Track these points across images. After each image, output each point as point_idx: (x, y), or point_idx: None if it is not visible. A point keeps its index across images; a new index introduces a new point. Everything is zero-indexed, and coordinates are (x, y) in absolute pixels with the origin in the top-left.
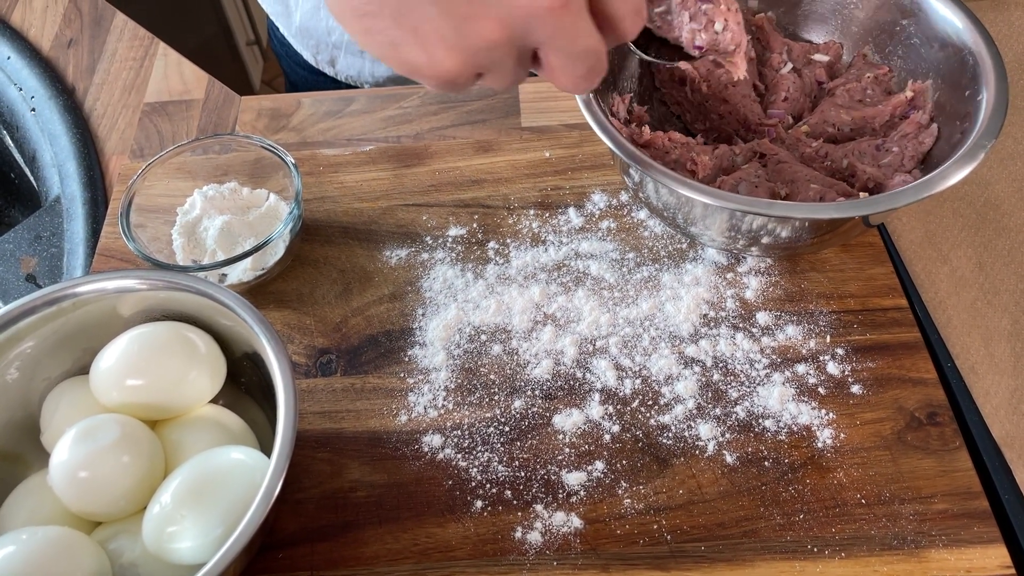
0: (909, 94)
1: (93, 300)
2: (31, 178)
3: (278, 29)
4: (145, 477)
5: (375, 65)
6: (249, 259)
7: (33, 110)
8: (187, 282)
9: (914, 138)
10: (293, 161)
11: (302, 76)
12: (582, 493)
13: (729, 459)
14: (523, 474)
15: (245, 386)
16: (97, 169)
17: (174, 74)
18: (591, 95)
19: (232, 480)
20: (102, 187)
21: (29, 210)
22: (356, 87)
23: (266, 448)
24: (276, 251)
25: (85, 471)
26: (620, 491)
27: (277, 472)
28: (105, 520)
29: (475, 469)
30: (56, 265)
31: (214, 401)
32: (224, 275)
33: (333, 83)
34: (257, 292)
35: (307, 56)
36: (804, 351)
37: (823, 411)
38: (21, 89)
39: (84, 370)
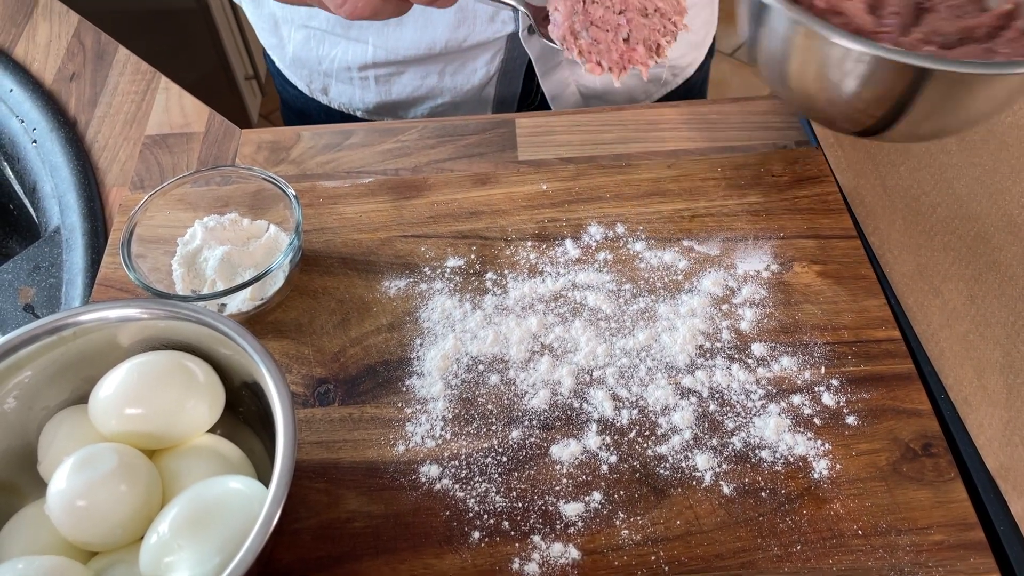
0: (1008, 6)
1: (94, 329)
2: (31, 209)
3: (274, 61)
4: (143, 506)
5: (365, 92)
6: (248, 289)
7: (35, 142)
8: (188, 311)
9: (1018, 41)
10: (294, 193)
11: (300, 104)
12: (580, 524)
13: (726, 490)
14: (520, 505)
15: (243, 416)
16: (97, 200)
17: (175, 107)
18: None
19: (230, 510)
20: (102, 218)
21: (27, 241)
22: (349, 114)
23: (263, 478)
24: (276, 281)
25: (83, 500)
26: (618, 522)
27: (275, 502)
28: (102, 550)
29: (472, 500)
30: (54, 295)
31: (212, 431)
32: (223, 305)
33: (326, 110)
34: (256, 322)
35: (301, 86)
36: (799, 382)
37: (819, 442)
38: (23, 121)
39: (83, 399)
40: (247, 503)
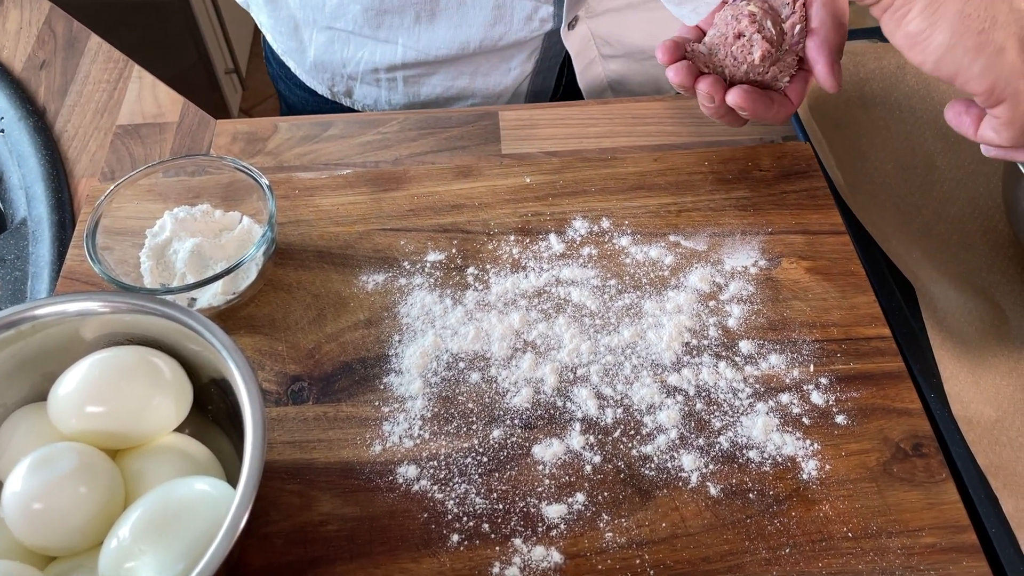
0: None
1: (53, 323)
2: None
3: (286, 66)
4: (103, 509)
5: (392, 93)
6: (220, 283)
7: (2, 131)
8: (153, 305)
9: None
10: (268, 183)
11: (311, 108)
12: (562, 526)
13: (713, 491)
14: (501, 507)
15: (212, 414)
16: (66, 191)
17: (148, 97)
18: None
19: (195, 513)
20: (70, 210)
21: None
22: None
23: (233, 479)
24: (248, 275)
25: (39, 503)
26: (601, 524)
27: (243, 505)
28: (60, 555)
29: (451, 501)
30: (20, 289)
31: (179, 430)
32: (194, 299)
33: (349, 112)
34: (227, 317)
35: (322, 90)
36: (788, 380)
37: (808, 442)
38: None
39: (42, 396)
40: (214, 506)
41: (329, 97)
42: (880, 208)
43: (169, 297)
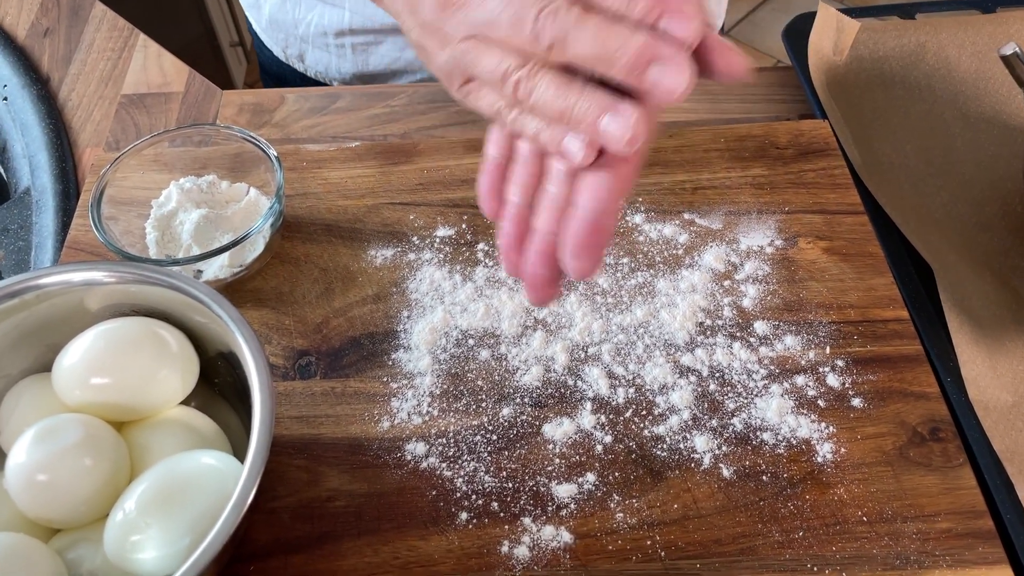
0: None
1: (57, 293)
2: (1, 168)
3: (251, 23)
4: (108, 482)
5: (341, 61)
6: (226, 255)
7: (5, 99)
8: (159, 275)
9: None
10: (276, 154)
11: (276, 69)
12: (572, 506)
13: (726, 473)
14: (511, 485)
15: (219, 387)
16: (70, 161)
17: (153, 66)
18: None
19: (202, 487)
20: (74, 179)
21: None
22: (325, 84)
23: (239, 454)
24: (255, 247)
25: (44, 474)
26: (612, 504)
27: (251, 479)
28: (64, 527)
29: (460, 479)
30: (23, 259)
31: (185, 403)
32: (200, 271)
33: (302, 78)
34: (234, 290)
35: (276, 51)
36: (803, 362)
37: (823, 424)
38: None
39: (46, 367)
40: (220, 480)
41: (284, 60)
42: (898, 188)
43: (175, 269)
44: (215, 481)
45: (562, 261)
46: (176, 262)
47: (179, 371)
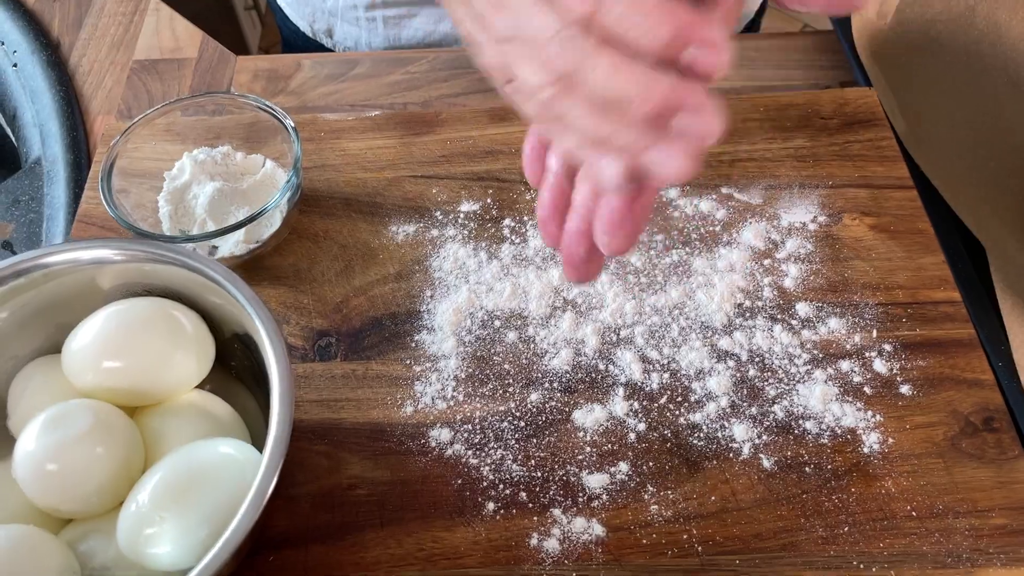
0: None
1: (66, 272)
2: (12, 137)
3: None
4: (121, 470)
5: (372, 35)
6: (242, 231)
7: (15, 65)
8: (172, 254)
9: None
10: (293, 124)
11: (301, 44)
12: (604, 497)
13: (766, 463)
14: (539, 475)
15: (235, 370)
16: (81, 130)
17: (166, 30)
18: None
19: (219, 477)
20: (86, 149)
21: (8, 171)
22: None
23: (257, 440)
24: (272, 222)
25: (53, 463)
26: (646, 496)
27: (270, 470)
28: (75, 517)
29: (487, 468)
30: (35, 232)
31: (201, 386)
32: (215, 247)
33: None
34: (251, 267)
35: (302, 25)
36: (848, 346)
37: (869, 413)
38: (3, 43)
39: (56, 348)
40: (238, 469)
41: (310, 35)
42: (947, 160)
43: (189, 246)
44: (233, 471)
45: (595, 236)
46: (191, 238)
47: (194, 354)
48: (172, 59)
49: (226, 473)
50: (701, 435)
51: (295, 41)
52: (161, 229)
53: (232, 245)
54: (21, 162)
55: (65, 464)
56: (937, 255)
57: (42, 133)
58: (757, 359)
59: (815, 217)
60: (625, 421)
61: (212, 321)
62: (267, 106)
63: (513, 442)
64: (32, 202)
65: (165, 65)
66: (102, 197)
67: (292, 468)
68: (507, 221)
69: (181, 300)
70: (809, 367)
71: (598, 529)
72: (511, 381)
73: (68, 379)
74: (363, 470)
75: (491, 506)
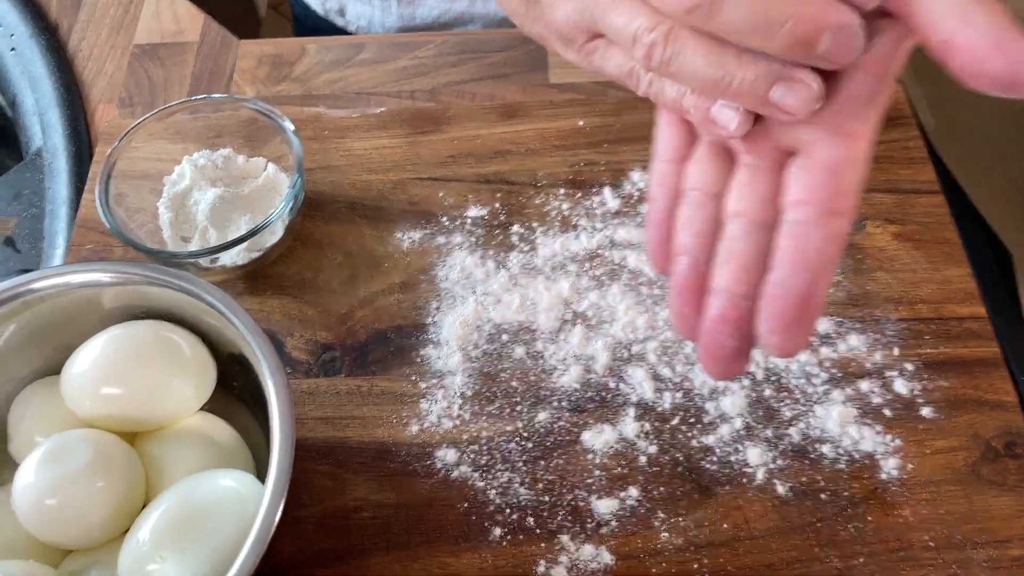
0: None
1: (61, 294)
2: (13, 125)
3: None
4: (122, 503)
5: (385, 15)
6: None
7: (13, 49)
8: (166, 277)
9: None
10: (292, 128)
11: (312, 23)
12: (613, 523)
13: (781, 489)
14: (547, 499)
15: (237, 391)
16: (82, 119)
17: (166, 12)
18: None
19: (221, 513)
20: (87, 140)
21: (13, 160)
22: None
23: (261, 464)
24: (275, 232)
25: (53, 498)
26: (656, 522)
27: (272, 509)
28: (77, 549)
29: (493, 491)
30: (37, 228)
31: (204, 407)
32: (216, 258)
33: (343, 34)
34: (254, 277)
35: (314, 4)
36: (869, 365)
37: (889, 437)
38: (0, 26)
39: (56, 369)
40: (241, 504)
41: (321, 14)
42: (976, 160)
43: (181, 271)
44: (235, 506)
45: (760, 337)
46: (193, 254)
47: (193, 380)
48: (174, 43)
49: (229, 508)
50: (714, 459)
51: (306, 20)
52: (161, 236)
53: (234, 254)
54: (23, 152)
55: (65, 499)
56: (963, 267)
57: (43, 122)
58: (773, 378)
59: None
60: (635, 443)
61: (212, 342)
62: (265, 109)
63: (520, 464)
64: (34, 196)
65: (166, 50)
66: (99, 208)
67: (297, 489)
68: (515, 227)
69: (181, 321)
70: (827, 387)
71: (607, 557)
72: (519, 399)
73: (67, 405)
74: (368, 492)
75: (498, 531)
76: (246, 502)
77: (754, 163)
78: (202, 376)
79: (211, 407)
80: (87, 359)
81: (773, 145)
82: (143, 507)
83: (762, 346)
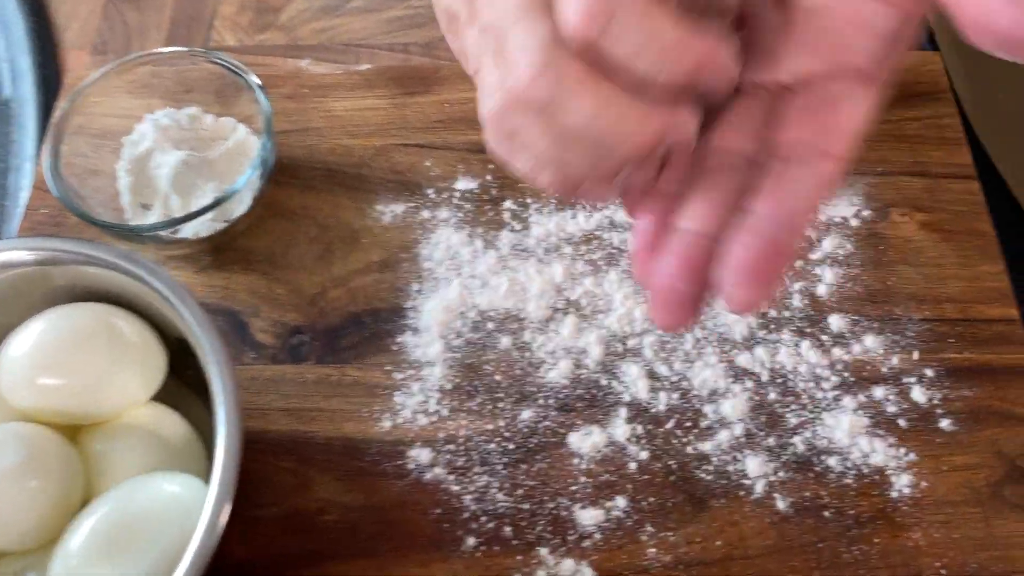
0: None
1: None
2: None
3: None
4: (59, 504)
5: None
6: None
7: None
8: (110, 257)
9: None
10: (259, 83)
11: None
12: (597, 536)
13: (781, 505)
14: (527, 507)
15: (190, 379)
16: (52, 66)
17: None
18: None
19: (162, 522)
20: (56, 90)
21: None
22: None
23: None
24: (242, 201)
25: None
26: (644, 537)
27: (212, 526)
28: (10, 552)
29: (469, 496)
30: (2, 184)
31: (154, 396)
32: (176, 230)
33: None
34: (220, 250)
35: None
36: (885, 370)
37: (902, 450)
38: None
39: None
40: (185, 514)
41: None
42: (1015, 139)
43: (130, 250)
44: (178, 515)
45: (718, 282)
46: (152, 227)
47: (139, 370)
48: None
49: (171, 518)
50: (710, 468)
51: None
52: (120, 202)
53: (197, 225)
54: None
55: None
56: (996, 264)
57: (12, 69)
58: (779, 380)
59: (858, 211)
60: (626, 448)
61: (161, 326)
62: (233, 65)
63: (500, 467)
64: (1, 149)
65: None
66: (47, 176)
67: (257, 485)
68: (508, 203)
69: (129, 305)
70: (838, 392)
71: (587, 573)
72: (502, 395)
73: (2, 395)
74: (334, 492)
75: (471, 540)
76: (190, 511)
77: (749, 97)
78: (150, 365)
79: (162, 397)
80: (23, 345)
81: (773, 79)
82: (82, 508)
83: (720, 297)
